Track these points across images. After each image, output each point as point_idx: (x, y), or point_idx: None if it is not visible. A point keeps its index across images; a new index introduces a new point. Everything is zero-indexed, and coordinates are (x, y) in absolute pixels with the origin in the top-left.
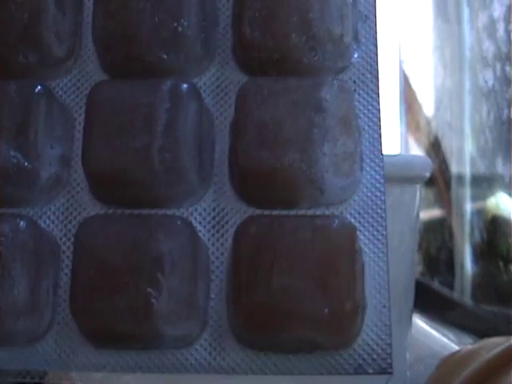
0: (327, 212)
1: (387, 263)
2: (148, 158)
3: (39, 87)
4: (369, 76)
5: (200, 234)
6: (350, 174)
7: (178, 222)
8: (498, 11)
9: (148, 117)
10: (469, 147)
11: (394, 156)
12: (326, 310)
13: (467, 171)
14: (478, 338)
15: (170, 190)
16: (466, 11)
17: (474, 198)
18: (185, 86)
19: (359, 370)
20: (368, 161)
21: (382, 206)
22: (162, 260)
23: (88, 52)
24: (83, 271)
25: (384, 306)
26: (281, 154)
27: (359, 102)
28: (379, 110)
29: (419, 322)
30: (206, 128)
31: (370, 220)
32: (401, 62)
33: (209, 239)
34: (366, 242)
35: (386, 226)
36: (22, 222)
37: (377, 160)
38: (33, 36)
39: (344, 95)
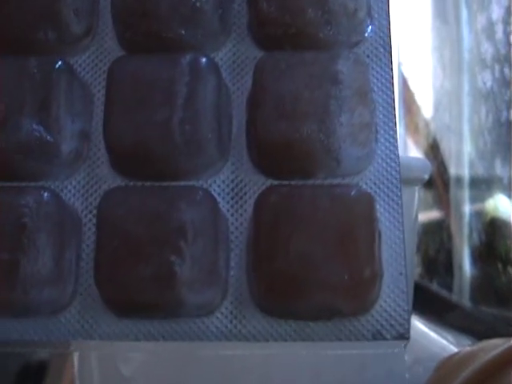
0: (343, 182)
1: (403, 232)
2: (168, 130)
3: (60, 63)
4: (382, 50)
5: (219, 205)
6: (366, 144)
7: (200, 192)
8: (497, 13)
9: (168, 90)
10: (467, 149)
11: None
12: (346, 276)
13: (466, 173)
14: (477, 340)
15: (189, 163)
16: (464, 13)
17: (473, 200)
18: (204, 59)
19: (377, 336)
20: (382, 132)
21: (397, 177)
22: (184, 229)
23: (106, 29)
24: (107, 242)
25: (401, 274)
26: (299, 125)
27: (373, 75)
28: (393, 84)
29: (418, 324)
30: (224, 102)
31: (386, 190)
32: (399, 64)
33: (228, 210)
34: (382, 211)
35: (401, 197)
36: (45, 194)
37: (391, 132)
38: (52, 13)
39: (359, 68)
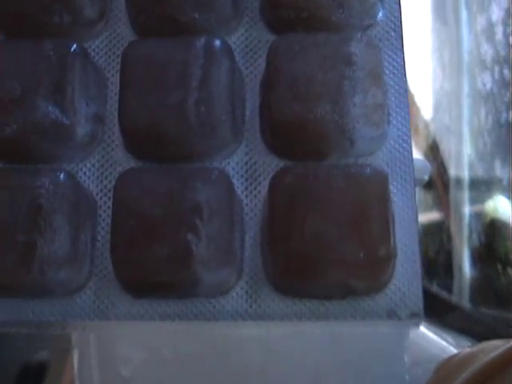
0: (357, 163)
1: (416, 212)
2: (183, 112)
3: (75, 47)
4: (393, 34)
5: (234, 186)
6: (379, 124)
7: (215, 172)
8: (497, 14)
9: (182, 73)
10: (467, 150)
11: None
12: (361, 255)
13: (466, 174)
14: (477, 341)
15: (204, 144)
16: (464, 14)
17: (473, 201)
18: (218, 42)
19: (391, 315)
20: (394, 115)
21: (410, 158)
22: (199, 208)
23: (119, 14)
24: (122, 223)
25: (414, 254)
26: (313, 106)
27: (384, 58)
28: (404, 67)
29: None
30: (238, 85)
31: (398, 171)
32: None
33: (242, 192)
34: (395, 191)
35: (414, 178)
36: (61, 175)
37: (403, 113)
38: None
39: (372, 50)
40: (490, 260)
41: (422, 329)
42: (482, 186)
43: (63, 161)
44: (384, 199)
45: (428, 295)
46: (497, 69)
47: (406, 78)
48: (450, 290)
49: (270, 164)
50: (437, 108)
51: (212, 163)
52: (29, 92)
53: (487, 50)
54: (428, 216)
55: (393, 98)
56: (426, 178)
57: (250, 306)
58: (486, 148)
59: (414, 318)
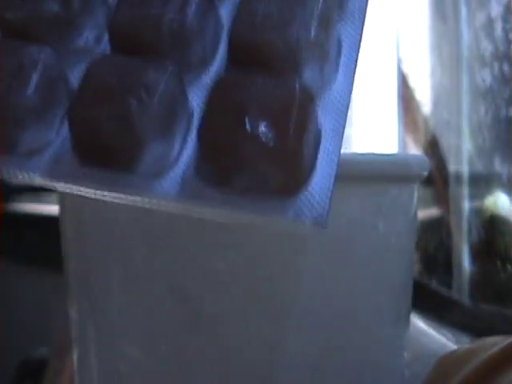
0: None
1: (341, 138)
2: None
3: None
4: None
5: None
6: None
7: (169, 66)
8: (496, 10)
9: None
10: (467, 146)
11: (391, 155)
12: (277, 149)
13: (465, 170)
14: (476, 337)
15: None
16: (463, 10)
17: (472, 197)
18: None
19: (297, 218)
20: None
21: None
22: (150, 86)
23: None
24: (83, 88)
25: (330, 175)
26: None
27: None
28: (360, 43)
29: (417, 322)
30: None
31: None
32: (399, 61)
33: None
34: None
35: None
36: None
37: (349, 80)
38: None
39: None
40: (489, 256)
41: (422, 325)
42: (482, 182)
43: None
44: (310, 110)
45: (427, 291)
46: (496, 65)
47: (357, 51)
48: (449, 286)
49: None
50: (436, 104)
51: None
52: None
53: (486, 46)
54: (427, 212)
55: (344, 59)
56: (426, 173)
57: (181, 191)
58: (486, 144)
59: (317, 225)
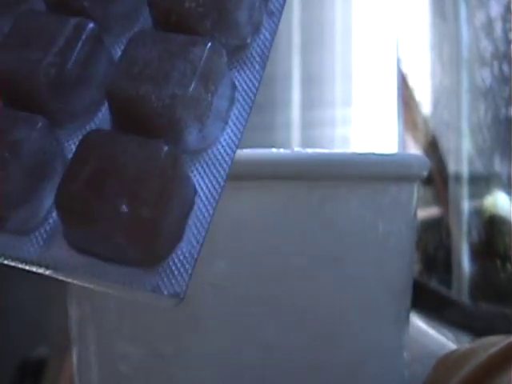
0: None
1: (215, 206)
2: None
3: None
4: (258, 59)
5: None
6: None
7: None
8: (496, 10)
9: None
10: (466, 146)
11: (391, 155)
12: (125, 208)
13: (465, 170)
14: (476, 337)
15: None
16: (463, 10)
17: (472, 197)
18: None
19: (156, 290)
20: (232, 125)
21: (226, 167)
22: (18, 145)
23: None
24: None
25: (198, 242)
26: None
27: (241, 76)
28: (256, 89)
29: (417, 321)
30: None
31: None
32: (398, 61)
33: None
34: (202, 184)
35: (223, 185)
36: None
37: (239, 127)
38: None
39: (217, 59)
40: (489, 256)
41: (422, 325)
42: (482, 182)
43: None
44: (175, 175)
45: (427, 291)
46: (496, 64)
47: (253, 98)
48: (449, 285)
49: None
50: (436, 104)
51: None
52: None
53: (486, 46)
54: (427, 212)
55: (236, 112)
56: (425, 173)
57: (45, 252)
58: (486, 144)
59: (175, 298)
